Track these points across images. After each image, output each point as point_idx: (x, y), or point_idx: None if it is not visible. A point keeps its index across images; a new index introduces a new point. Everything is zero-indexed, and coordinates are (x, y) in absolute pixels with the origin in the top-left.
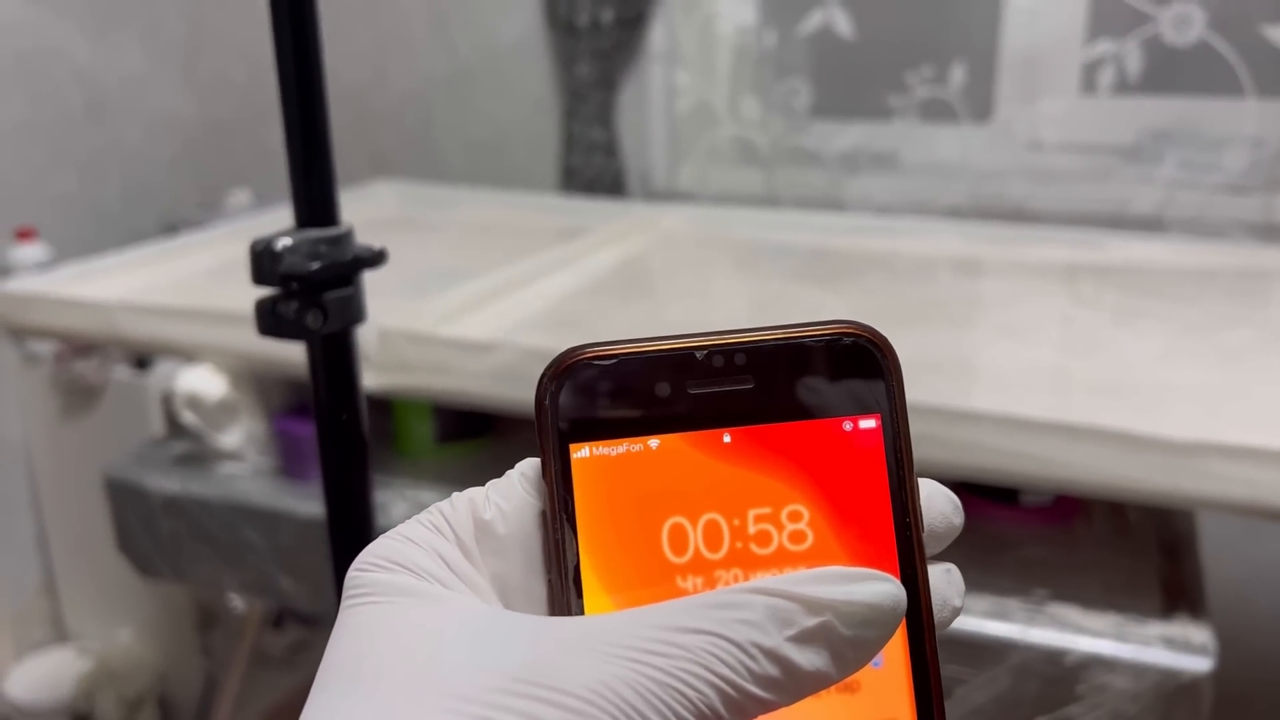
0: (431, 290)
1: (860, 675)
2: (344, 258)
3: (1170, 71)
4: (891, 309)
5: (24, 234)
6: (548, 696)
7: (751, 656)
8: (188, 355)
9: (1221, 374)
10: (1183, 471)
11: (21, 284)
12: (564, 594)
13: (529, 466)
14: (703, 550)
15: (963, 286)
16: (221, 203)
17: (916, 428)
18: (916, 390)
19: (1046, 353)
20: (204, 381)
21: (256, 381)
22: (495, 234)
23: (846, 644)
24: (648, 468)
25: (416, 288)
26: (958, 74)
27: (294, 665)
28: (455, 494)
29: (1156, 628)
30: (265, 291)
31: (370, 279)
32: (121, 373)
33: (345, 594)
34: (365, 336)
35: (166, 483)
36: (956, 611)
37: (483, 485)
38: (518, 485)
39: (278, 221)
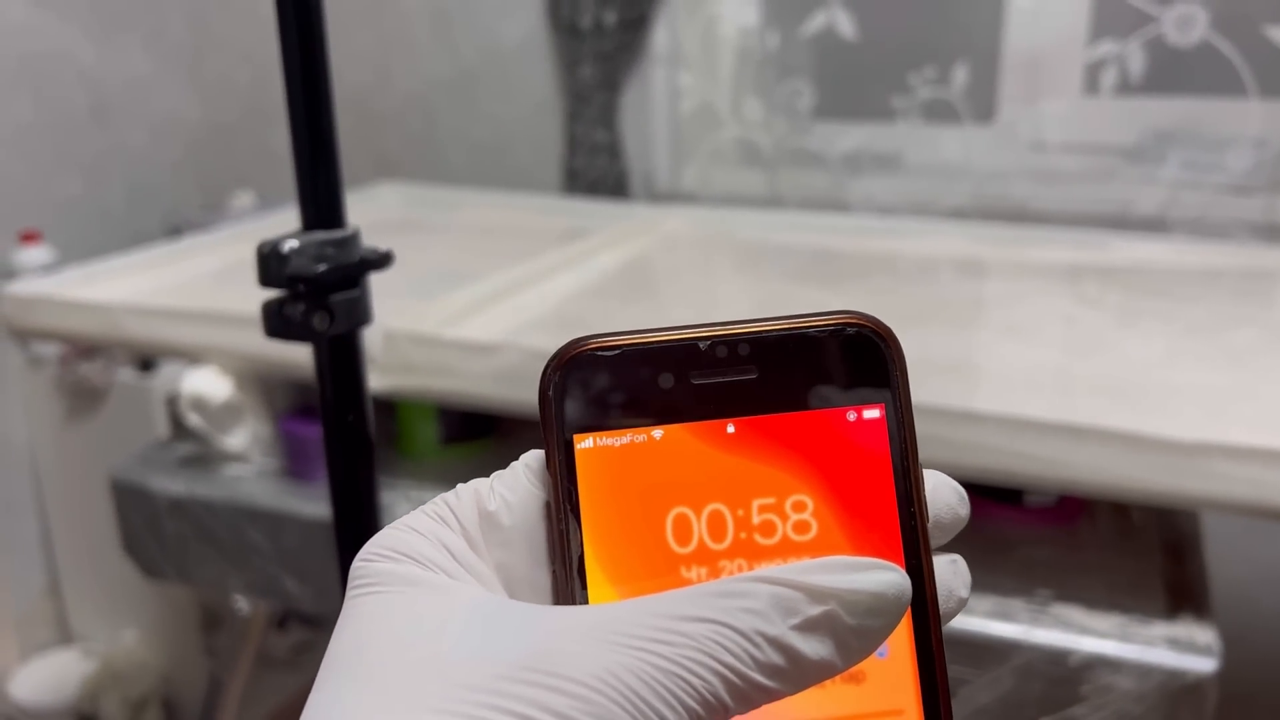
0: (435, 292)
1: (865, 665)
2: (350, 260)
3: (1173, 72)
4: (895, 310)
5: (29, 236)
6: (554, 684)
7: (756, 645)
8: (192, 357)
9: (1226, 374)
10: (1187, 472)
11: (26, 286)
12: (568, 584)
13: (533, 458)
14: (707, 541)
15: (966, 287)
16: (225, 205)
17: (920, 428)
18: (920, 391)
19: (1050, 353)
20: (209, 383)
21: (261, 383)
22: (499, 236)
23: (851, 633)
24: (652, 458)
25: (420, 289)
26: (960, 75)
27: (298, 666)
28: (460, 485)
29: (1161, 628)
30: (271, 293)
31: (374, 281)
32: (126, 375)
33: (350, 584)
34: (370, 338)
35: (171, 484)
36: (962, 602)
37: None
38: (522, 477)
39: (281, 223)
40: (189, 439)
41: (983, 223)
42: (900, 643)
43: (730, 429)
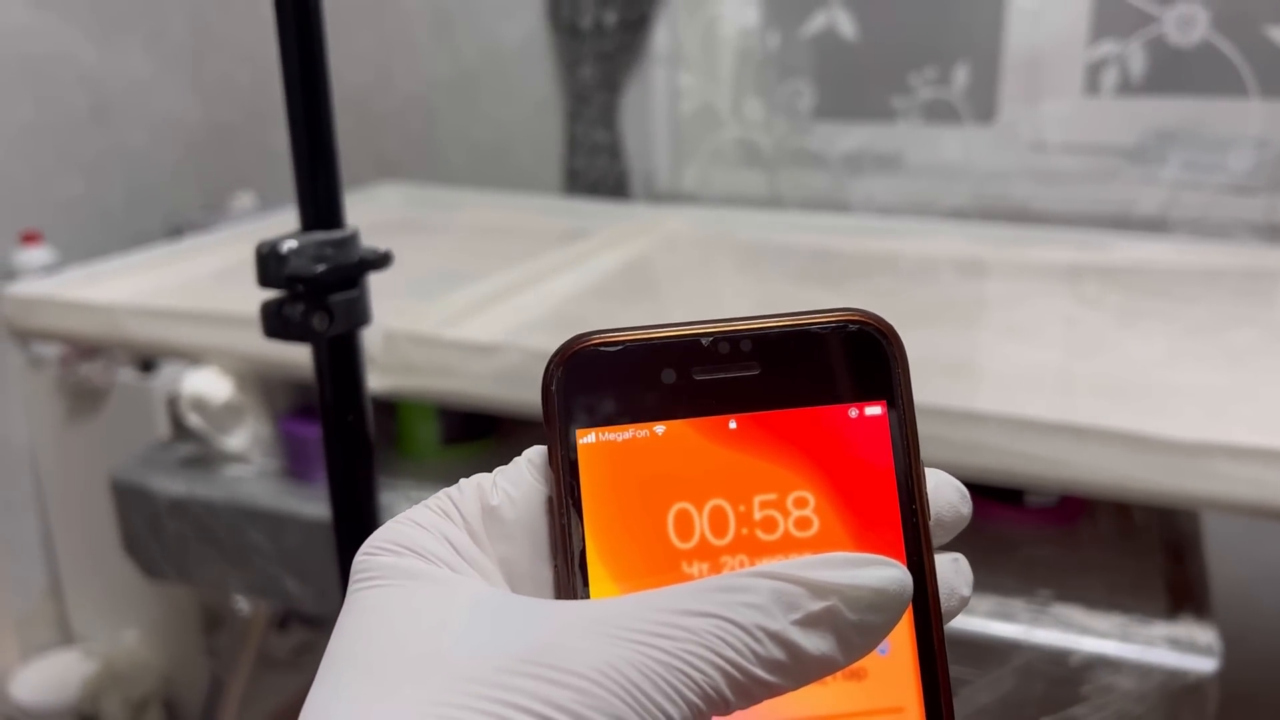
0: (436, 292)
1: (867, 662)
2: (349, 260)
3: (1174, 72)
4: (896, 310)
5: (29, 237)
6: (555, 678)
7: (757, 640)
8: (193, 358)
9: (1227, 374)
10: (1188, 472)
11: (27, 287)
12: (570, 579)
13: (536, 454)
14: (708, 536)
15: (967, 288)
16: (226, 205)
17: (921, 429)
18: (922, 391)
19: (1051, 353)
20: (209, 384)
21: (261, 383)
22: (499, 236)
23: (852, 629)
24: (653, 453)
25: (421, 290)
26: (961, 75)
27: (299, 667)
28: (463, 480)
29: (1161, 628)
30: (271, 294)
31: (375, 281)
32: (127, 375)
33: (353, 578)
34: (370, 339)
35: (172, 485)
36: (964, 601)
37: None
38: (525, 471)
39: (282, 224)
40: (189, 439)
41: (983, 223)
42: (902, 640)
43: (732, 425)
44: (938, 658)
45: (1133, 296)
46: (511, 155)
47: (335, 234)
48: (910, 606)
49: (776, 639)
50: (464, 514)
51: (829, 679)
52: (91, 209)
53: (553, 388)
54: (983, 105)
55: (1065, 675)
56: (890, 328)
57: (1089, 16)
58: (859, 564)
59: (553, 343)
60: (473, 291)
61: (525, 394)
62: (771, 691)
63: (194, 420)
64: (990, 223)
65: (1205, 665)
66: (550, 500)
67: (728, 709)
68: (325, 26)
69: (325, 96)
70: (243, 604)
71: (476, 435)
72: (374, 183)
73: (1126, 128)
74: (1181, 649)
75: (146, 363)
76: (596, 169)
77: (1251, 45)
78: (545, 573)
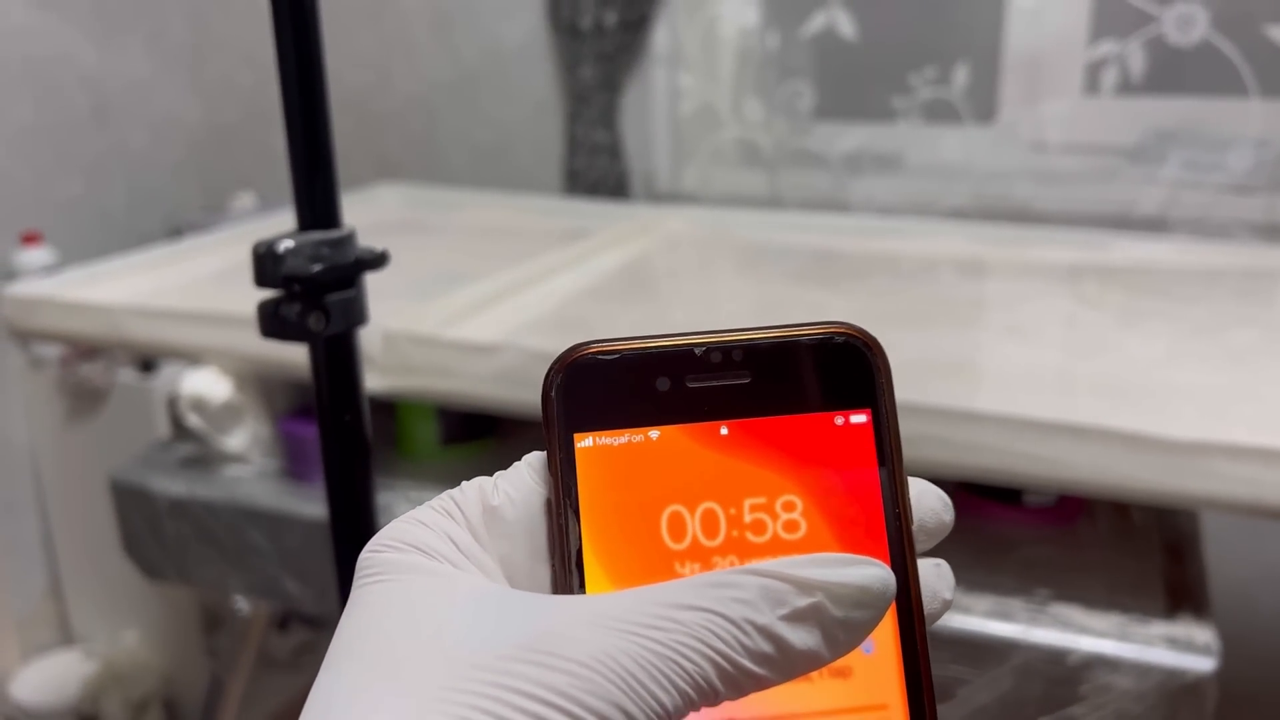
0: (435, 293)
1: (853, 661)
2: (346, 260)
3: (1174, 72)
4: (896, 310)
5: (30, 238)
6: (555, 664)
7: (746, 633)
8: (193, 358)
9: (1226, 374)
10: (1187, 471)
11: (27, 287)
12: (567, 578)
13: (535, 458)
14: (700, 538)
15: (967, 287)
16: (226, 206)
17: (921, 428)
18: (922, 391)
19: (1051, 353)
20: (209, 384)
21: (261, 384)
22: (499, 236)
23: (838, 625)
24: (648, 458)
25: (420, 290)
26: (961, 75)
27: (299, 667)
28: (465, 482)
29: (1160, 628)
30: (268, 294)
31: (374, 281)
32: (127, 376)
33: (358, 575)
34: (369, 339)
35: (172, 485)
36: (947, 604)
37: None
38: (525, 474)
39: (282, 224)
40: (189, 440)
41: (983, 223)
42: (886, 639)
43: (724, 431)
44: (920, 657)
45: (1133, 296)
46: (511, 156)
47: (332, 234)
48: (894, 607)
49: (764, 632)
50: (466, 513)
51: (816, 676)
52: (92, 209)
53: (552, 393)
54: (983, 105)
55: (1064, 675)
56: (875, 340)
57: (1089, 16)
58: (844, 563)
59: (552, 343)
60: (472, 292)
61: (524, 394)
62: (759, 683)
63: (193, 420)
64: (990, 223)
65: (1204, 665)
66: (549, 502)
67: (717, 699)
68: (323, 27)
69: (322, 97)
70: (243, 604)
71: (476, 436)
72: (374, 183)
73: (1126, 127)
74: (1180, 649)
75: (146, 363)
76: (596, 169)
77: (1251, 45)
78: (543, 571)
